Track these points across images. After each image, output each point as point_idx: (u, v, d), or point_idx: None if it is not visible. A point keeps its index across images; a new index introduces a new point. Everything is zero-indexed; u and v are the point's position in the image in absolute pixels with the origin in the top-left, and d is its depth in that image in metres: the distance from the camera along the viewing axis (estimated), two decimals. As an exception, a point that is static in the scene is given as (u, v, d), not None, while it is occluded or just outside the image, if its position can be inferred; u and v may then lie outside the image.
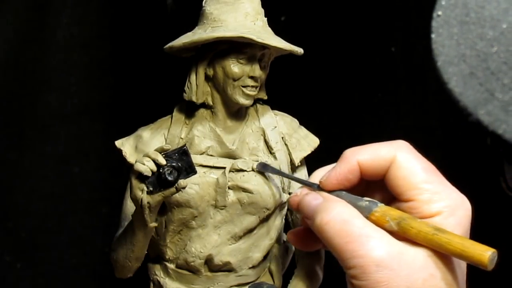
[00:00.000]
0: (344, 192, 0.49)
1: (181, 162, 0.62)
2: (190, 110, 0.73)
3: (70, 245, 1.17)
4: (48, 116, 1.12)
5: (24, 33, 1.08)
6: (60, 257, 1.17)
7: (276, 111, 0.77)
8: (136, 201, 0.64)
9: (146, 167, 0.61)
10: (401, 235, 0.45)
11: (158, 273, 0.75)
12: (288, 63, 0.79)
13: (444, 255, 0.44)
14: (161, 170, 0.62)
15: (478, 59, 0.40)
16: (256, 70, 0.69)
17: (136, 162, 0.62)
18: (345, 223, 0.45)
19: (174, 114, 0.74)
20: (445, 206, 0.45)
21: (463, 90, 0.40)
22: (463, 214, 0.45)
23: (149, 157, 0.62)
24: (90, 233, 1.17)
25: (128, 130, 0.76)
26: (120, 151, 0.73)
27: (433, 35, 0.41)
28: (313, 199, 0.50)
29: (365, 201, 0.47)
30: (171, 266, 0.74)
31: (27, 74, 1.10)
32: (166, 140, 0.72)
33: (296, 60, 0.74)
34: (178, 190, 0.63)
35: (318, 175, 0.51)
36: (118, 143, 0.74)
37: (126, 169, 0.68)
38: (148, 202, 0.63)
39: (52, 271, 1.17)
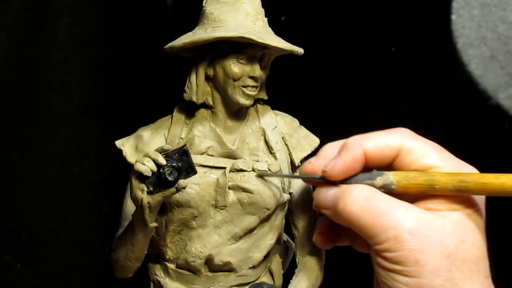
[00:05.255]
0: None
1: (181, 162, 0.62)
2: (190, 110, 0.73)
3: (70, 245, 1.17)
4: (48, 116, 1.12)
5: (24, 33, 1.08)
6: (60, 257, 1.17)
7: (277, 111, 0.77)
8: (136, 201, 0.64)
9: (146, 167, 0.61)
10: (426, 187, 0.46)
11: (158, 273, 0.75)
12: (288, 63, 0.79)
13: (470, 223, 0.45)
14: (161, 170, 0.62)
15: (499, 42, 0.41)
16: (257, 70, 0.69)
17: (136, 162, 0.62)
18: (369, 200, 0.46)
19: (174, 114, 0.74)
20: None
21: (483, 73, 0.41)
22: None
23: (149, 157, 0.62)
24: (90, 233, 1.17)
25: (128, 130, 0.76)
26: (120, 151, 0.73)
27: (453, 16, 0.41)
28: (327, 190, 0.51)
29: (372, 175, 0.48)
30: (171, 266, 0.74)
31: (27, 74, 1.10)
32: (166, 140, 0.72)
33: (296, 60, 0.74)
34: (178, 190, 0.63)
35: (328, 152, 0.52)
36: (118, 143, 0.74)
37: (126, 169, 0.68)
38: (148, 202, 0.63)
39: (52, 271, 1.17)
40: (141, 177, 0.62)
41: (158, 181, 0.62)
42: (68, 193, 1.15)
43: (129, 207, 0.72)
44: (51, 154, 1.14)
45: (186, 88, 0.71)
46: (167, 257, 0.74)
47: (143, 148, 0.72)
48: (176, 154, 0.63)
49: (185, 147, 0.63)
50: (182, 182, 0.62)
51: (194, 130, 0.72)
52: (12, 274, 1.16)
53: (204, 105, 0.72)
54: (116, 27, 1.12)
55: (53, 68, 1.11)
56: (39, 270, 1.17)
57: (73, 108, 1.13)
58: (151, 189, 0.62)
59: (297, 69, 1.00)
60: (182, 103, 0.74)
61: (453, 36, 0.41)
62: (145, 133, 0.73)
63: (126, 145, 0.73)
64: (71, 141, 1.14)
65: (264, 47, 0.68)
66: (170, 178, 0.61)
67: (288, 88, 1.03)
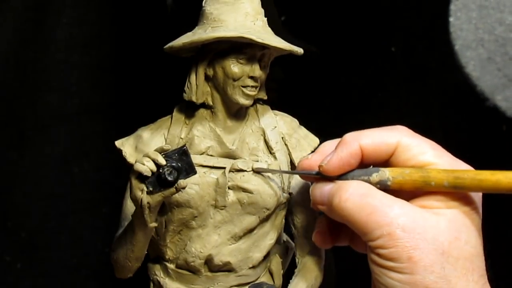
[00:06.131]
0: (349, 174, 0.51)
1: (181, 162, 0.63)
2: (190, 110, 0.73)
3: (70, 245, 1.16)
4: (48, 116, 1.12)
5: (24, 33, 1.08)
6: (60, 257, 1.17)
7: (276, 111, 0.77)
8: (136, 201, 0.64)
9: (146, 167, 0.61)
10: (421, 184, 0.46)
11: (158, 273, 0.75)
12: (288, 63, 0.79)
13: (465, 221, 0.45)
14: (161, 170, 0.62)
15: (496, 44, 0.41)
16: (256, 70, 0.69)
17: (136, 162, 0.62)
18: (364, 196, 0.46)
19: (174, 114, 0.74)
20: None
21: (481, 74, 0.41)
22: None
23: (149, 157, 0.62)
24: (90, 233, 1.17)
25: (128, 130, 0.76)
26: (120, 151, 0.73)
27: (451, 19, 0.41)
28: (323, 185, 0.51)
29: (369, 172, 0.48)
30: (171, 266, 0.74)
31: (27, 74, 1.10)
32: (166, 140, 0.72)
33: (296, 60, 0.74)
34: (178, 190, 0.63)
35: (326, 149, 0.53)
36: (118, 143, 0.74)
37: (126, 169, 0.68)
38: (148, 202, 0.63)
39: (52, 271, 1.17)
40: (141, 177, 0.62)
41: (158, 181, 0.62)
42: (68, 193, 1.15)
43: (129, 207, 0.72)
44: (51, 154, 1.14)
45: (185, 88, 0.71)
46: (167, 257, 0.74)
47: (143, 148, 0.72)
48: (176, 154, 0.63)
49: (185, 147, 0.63)
50: (181, 182, 0.62)
51: (194, 130, 0.72)
52: (12, 274, 1.16)
53: (204, 105, 0.72)
54: (116, 27, 1.12)
55: (53, 68, 1.11)
56: (39, 270, 1.17)
57: (73, 108, 1.13)
58: (151, 189, 0.62)
59: (296, 69, 1.00)
60: (182, 103, 0.74)
61: (451, 38, 0.41)
62: (145, 133, 0.74)
63: (126, 145, 0.74)
64: (71, 141, 1.14)
65: (263, 47, 0.68)
66: (169, 178, 0.61)
67: (288, 88, 1.03)
